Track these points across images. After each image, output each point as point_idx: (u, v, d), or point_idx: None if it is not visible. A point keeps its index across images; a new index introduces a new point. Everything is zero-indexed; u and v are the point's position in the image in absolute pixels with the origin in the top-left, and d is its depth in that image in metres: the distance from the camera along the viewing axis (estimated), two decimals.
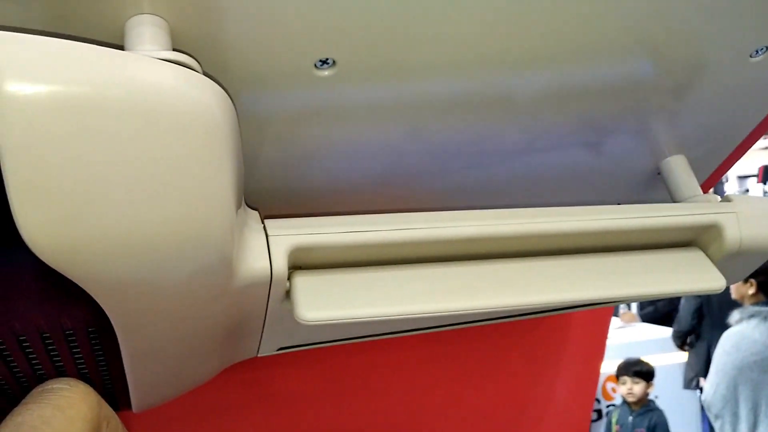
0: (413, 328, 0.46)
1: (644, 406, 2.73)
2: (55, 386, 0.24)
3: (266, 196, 0.40)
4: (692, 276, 0.41)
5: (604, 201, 0.49)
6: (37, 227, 0.23)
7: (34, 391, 0.24)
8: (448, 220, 0.36)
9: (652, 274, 0.41)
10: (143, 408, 0.38)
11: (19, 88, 0.22)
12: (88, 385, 0.24)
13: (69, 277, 0.25)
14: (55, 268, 0.25)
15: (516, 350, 0.69)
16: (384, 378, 0.64)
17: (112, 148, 0.23)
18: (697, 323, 3.00)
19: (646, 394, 2.74)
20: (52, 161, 0.23)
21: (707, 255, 0.41)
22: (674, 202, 0.46)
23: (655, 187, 0.49)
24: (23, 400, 0.23)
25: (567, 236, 0.39)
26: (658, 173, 0.48)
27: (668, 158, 0.47)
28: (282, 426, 0.60)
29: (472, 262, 0.37)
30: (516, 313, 0.49)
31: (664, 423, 2.71)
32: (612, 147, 0.46)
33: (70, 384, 0.24)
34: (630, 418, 2.73)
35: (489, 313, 0.46)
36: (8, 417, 0.22)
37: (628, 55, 0.39)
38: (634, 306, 3.65)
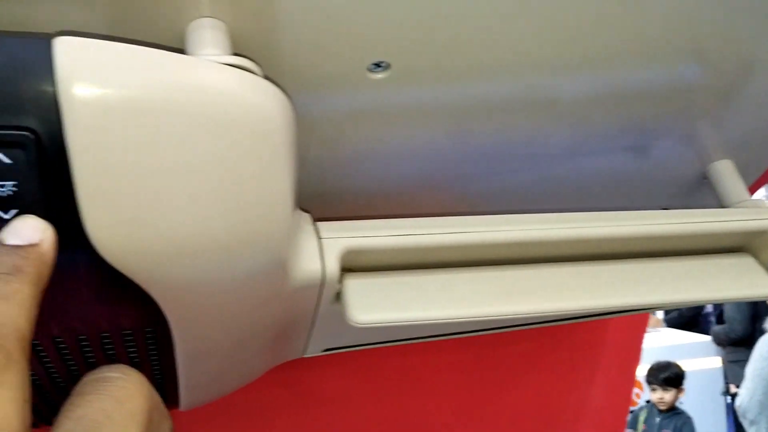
0: (456, 331, 0.46)
1: (672, 410, 2.73)
2: (109, 374, 0.23)
3: (310, 198, 0.40)
4: (743, 282, 0.40)
5: (649, 206, 0.49)
6: (104, 230, 0.24)
7: (88, 378, 0.23)
8: (498, 224, 0.36)
9: (702, 280, 0.40)
10: (190, 406, 0.39)
11: (87, 91, 0.22)
12: (140, 373, 0.24)
13: (132, 278, 0.25)
14: (119, 270, 0.25)
15: (551, 355, 0.68)
16: (419, 381, 0.64)
17: (177, 151, 0.24)
18: (753, 329, 2.99)
19: (676, 400, 2.74)
20: (120, 164, 0.23)
21: (758, 261, 0.41)
22: (722, 207, 0.45)
23: (701, 191, 0.48)
24: (77, 390, 0.23)
25: (616, 241, 0.39)
26: (705, 178, 0.47)
27: (715, 162, 0.47)
28: (317, 426, 0.60)
29: (520, 266, 0.37)
30: (555, 318, 0.49)
31: (691, 427, 2.70)
32: (658, 151, 0.45)
33: (125, 372, 0.23)
34: (657, 420, 2.73)
35: (531, 317, 0.45)
36: (66, 408, 0.21)
37: (675, 58, 0.39)
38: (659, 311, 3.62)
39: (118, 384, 0.23)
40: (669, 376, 2.71)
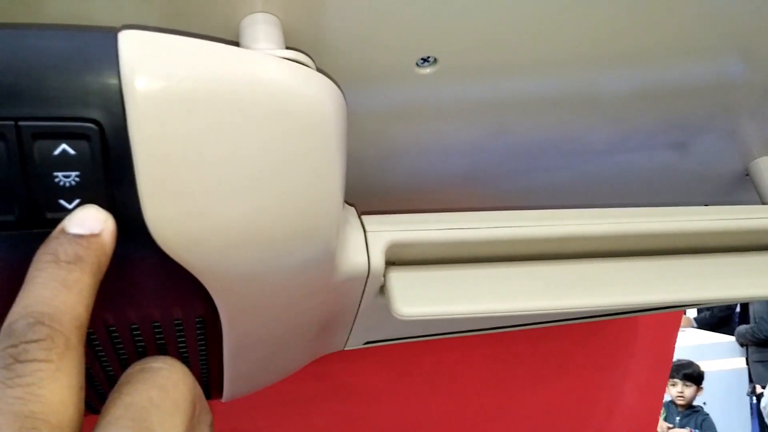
0: (494, 326, 0.46)
1: (690, 408, 2.72)
2: (154, 365, 0.23)
3: (353, 191, 0.41)
4: None
5: (690, 202, 0.48)
6: (163, 220, 0.24)
7: (134, 368, 0.23)
8: (541, 219, 0.36)
9: (741, 277, 0.40)
10: (232, 398, 0.39)
11: (150, 84, 0.23)
12: (184, 365, 0.24)
13: (188, 268, 0.26)
14: (176, 260, 0.25)
15: (583, 353, 0.68)
16: (451, 377, 0.64)
17: (235, 143, 0.24)
18: None
19: (695, 398, 2.73)
20: (180, 156, 0.23)
21: None
22: (763, 204, 0.45)
23: (742, 188, 0.48)
24: (124, 379, 0.23)
25: (658, 237, 0.39)
26: (746, 175, 0.47)
27: (757, 159, 0.46)
28: (349, 419, 0.61)
29: (563, 261, 0.37)
30: (589, 315, 0.49)
31: (710, 424, 2.69)
32: (700, 148, 0.45)
33: (169, 363, 0.24)
34: (677, 418, 2.71)
35: (571, 313, 0.45)
36: (114, 396, 0.22)
37: (719, 53, 0.38)
38: (691, 310, 3.60)
39: (164, 374, 0.23)
40: (690, 372, 2.71)
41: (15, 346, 0.19)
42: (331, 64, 0.31)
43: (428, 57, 0.32)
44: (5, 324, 0.20)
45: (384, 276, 0.34)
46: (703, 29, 0.36)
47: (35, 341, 0.19)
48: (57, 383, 0.19)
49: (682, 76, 0.40)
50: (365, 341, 0.42)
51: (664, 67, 0.38)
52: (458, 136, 0.39)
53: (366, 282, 0.33)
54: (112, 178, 0.23)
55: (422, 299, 0.33)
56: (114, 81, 0.23)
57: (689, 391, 2.70)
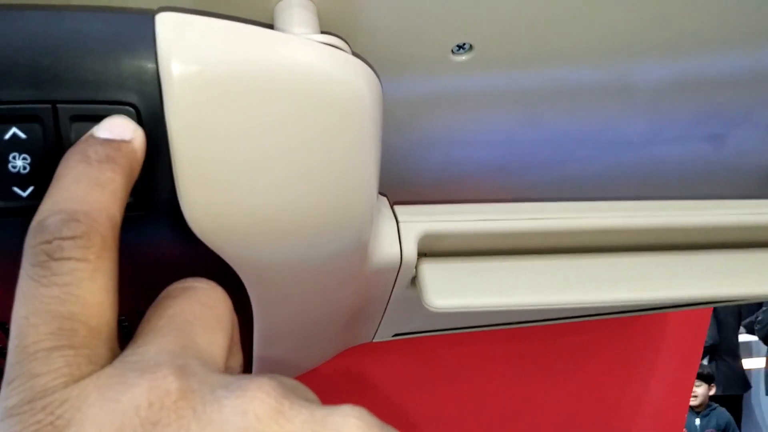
0: (523, 320, 0.45)
1: (707, 407, 2.70)
2: (195, 284, 0.23)
3: (384, 181, 0.40)
4: None
5: (726, 196, 0.47)
6: (198, 206, 0.24)
7: (176, 285, 0.22)
8: (574, 211, 0.35)
9: None
10: None
11: (187, 68, 0.22)
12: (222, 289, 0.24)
13: (221, 255, 0.26)
14: (210, 247, 0.25)
15: (609, 349, 0.67)
16: (476, 371, 0.63)
17: (272, 128, 0.24)
18: None
19: (708, 396, 2.71)
20: (216, 140, 0.23)
21: None
22: None
23: None
24: (166, 293, 0.22)
25: (694, 231, 0.38)
26: None
27: None
28: (373, 410, 0.61)
29: (596, 254, 0.37)
30: (617, 310, 0.48)
31: (730, 420, 2.67)
32: (736, 140, 0.44)
33: (210, 284, 0.23)
34: (697, 421, 2.69)
35: (604, 307, 0.45)
36: (156, 308, 0.21)
37: (758, 43, 0.37)
38: None
39: (206, 293, 0.22)
40: (700, 372, 2.69)
41: (49, 242, 0.18)
42: (364, 50, 0.31)
43: (464, 44, 0.32)
44: (35, 221, 0.19)
45: (416, 267, 0.33)
46: (742, 18, 0.35)
47: (71, 238, 0.18)
48: (95, 284, 0.19)
49: (720, 66, 0.39)
50: (394, 333, 0.42)
51: (702, 57, 0.37)
52: (492, 126, 0.38)
53: (398, 273, 0.33)
54: (148, 162, 0.23)
55: (454, 291, 0.33)
56: (151, 64, 0.22)
57: (701, 390, 2.69)
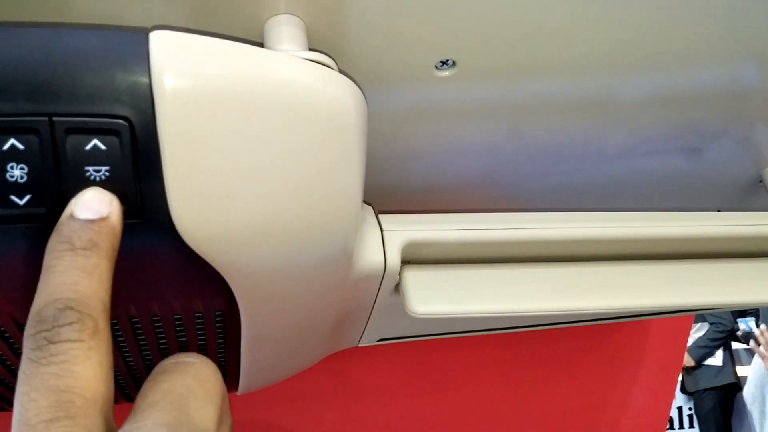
0: (506, 327, 0.46)
1: None
2: (187, 359, 0.24)
3: (370, 191, 0.41)
4: None
5: (703, 208, 0.48)
6: (188, 215, 0.25)
7: (167, 362, 0.24)
8: (555, 222, 0.36)
9: (755, 283, 0.40)
10: (247, 391, 0.40)
11: (179, 83, 0.23)
12: (213, 363, 0.25)
13: (210, 263, 0.27)
14: (200, 254, 0.26)
15: (592, 356, 0.69)
16: (461, 376, 0.64)
17: (260, 141, 0.25)
18: None
19: None
20: (206, 153, 0.24)
21: None
22: None
23: (756, 195, 0.48)
24: (160, 369, 0.23)
25: (669, 241, 0.39)
26: (760, 181, 0.47)
27: None
28: (360, 414, 0.62)
29: (575, 263, 0.38)
30: (602, 317, 0.49)
31: None
32: (714, 153, 0.45)
33: (201, 359, 0.24)
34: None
35: (581, 315, 0.46)
36: (150, 383, 0.23)
37: (735, 60, 0.39)
38: None
39: (198, 367, 0.24)
40: None
41: (48, 330, 0.20)
42: (352, 66, 0.32)
43: (447, 60, 0.33)
44: (33, 312, 0.21)
45: (399, 274, 0.34)
46: (720, 35, 0.36)
47: (67, 324, 0.20)
48: (89, 360, 0.20)
49: (698, 82, 0.40)
50: (379, 338, 0.43)
51: (680, 73, 0.39)
52: (475, 138, 0.39)
53: (382, 280, 0.34)
54: (140, 173, 0.24)
55: (437, 298, 0.34)
56: (144, 79, 0.23)
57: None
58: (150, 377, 0.23)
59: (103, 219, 0.23)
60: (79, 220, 0.22)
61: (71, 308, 0.20)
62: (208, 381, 0.24)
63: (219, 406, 0.24)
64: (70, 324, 0.20)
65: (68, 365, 0.20)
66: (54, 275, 0.21)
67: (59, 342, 0.20)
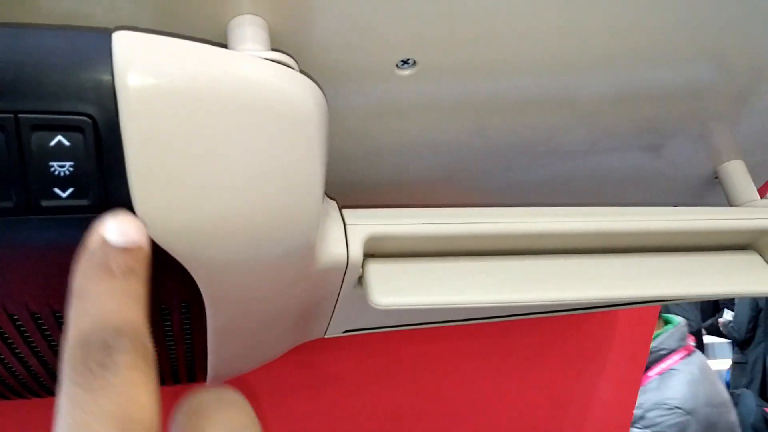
0: (469, 318, 0.48)
1: None
2: (227, 396, 0.23)
3: (335, 187, 0.42)
4: (748, 278, 0.42)
5: (661, 204, 0.50)
6: (151, 209, 0.26)
7: (207, 395, 0.23)
8: (515, 216, 0.37)
9: (710, 275, 0.42)
10: (216, 380, 0.41)
11: (141, 82, 0.24)
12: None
13: (174, 256, 0.27)
14: (164, 248, 0.27)
15: (559, 346, 0.70)
16: (430, 368, 0.66)
17: (221, 139, 0.26)
18: (753, 330, 3.09)
19: None
20: (168, 149, 0.25)
21: (764, 258, 0.42)
22: (731, 206, 0.47)
23: (711, 191, 0.50)
24: (201, 403, 0.23)
25: (627, 235, 0.40)
26: (716, 178, 0.49)
27: (726, 163, 0.48)
28: (329, 406, 0.63)
29: (535, 256, 0.39)
30: (565, 308, 0.51)
31: None
32: (671, 151, 0.47)
33: (237, 394, 0.24)
34: None
35: (542, 306, 0.47)
36: (204, 420, 0.22)
37: (691, 60, 0.40)
38: None
39: (241, 402, 0.23)
40: None
41: (103, 356, 0.19)
42: (315, 65, 0.33)
43: (408, 59, 0.34)
44: (77, 337, 0.20)
45: (362, 267, 0.35)
46: (677, 37, 0.38)
47: (122, 352, 0.19)
48: (147, 389, 0.20)
49: (657, 81, 0.41)
50: (345, 329, 0.44)
51: (639, 72, 0.40)
52: (438, 135, 0.40)
53: (345, 273, 0.35)
54: (104, 169, 0.25)
55: (398, 290, 0.35)
56: (107, 78, 0.24)
57: None
58: (194, 409, 0.23)
59: (138, 248, 0.22)
60: (116, 247, 0.22)
61: (122, 335, 0.20)
62: (251, 413, 0.23)
63: None
64: (125, 352, 0.19)
65: (130, 394, 0.19)
66: (98, 299, 0.21)
67: (116, 370, 0.19)
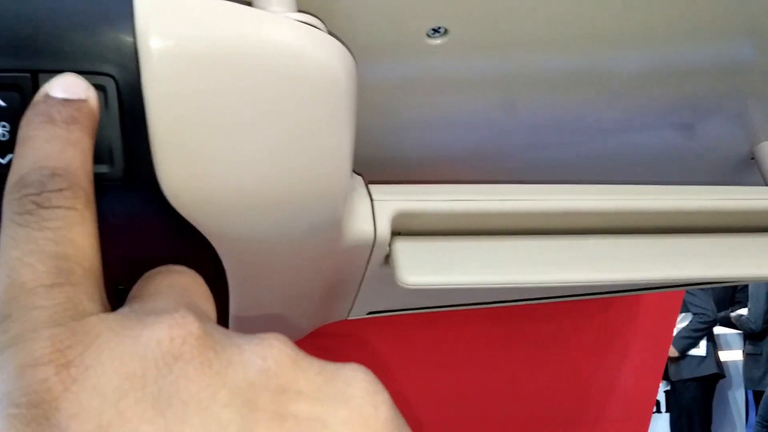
0: (495, 300, 0.46)
1: None
2: (178, 268, 0.24)
3: (361, 162, 0.41)
4: None
5: (694, 184, 0.48)
6: (174, 177, 0.24)
7: (159, 267, 0.24)
8: (546, 193, 0.36)
9: (746, 257, 0.40)
10: None
11: (164, 42, 0.23)
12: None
13: (197, 226, 0.26)
14: (186, 218, 0.26)
15: (581, 334, 0.69)
16: (449, 352, 0.65)
17: (247, 102, 0.24)
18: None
19: None
20: (192, 114, 0.24)
21: None
22: None
23: (747, 172, 0.48)
24: (150, 272, 0.24)
25: (662, 214, 0.39)
26: (752, 158, 0.47)
27: (764, 143, 0.46)
28: None
29: (566, 236, 0.38)
30: (593, 291, 0.49)
31: None
32: (707, 129, 0.45)
33: (190, 270, 0.24)
34: None
35: (572, 288, 0.46)
36: (146, 280, 0.23)
37: (730, 36, 0.38)
38: None
39: (191, 274, 0.24)
40: None
41: (36, 194, 0.19)
42: (341, 32, 0.31)
43: (439, 27, 0.32)
44: (14, 177, 0.20)
45: (389, 245, 0.34)
46: (715, 11, 0.36)
47: (57, 190, 0.19)
48: (84, 229, 0.20)
49: (693, 58, 0.40)
50: (368, 311, 0.43)
51: (675, 48, 0.38)
52: (467, 110, 0.39)
53: (371, 250, 0.34)
54: (126, 132, 0.23)
55: (427, 269, 0.34)
56: (129, 38, 0.23)
57: None
58: (144, 277, 0.23)
59: (82, 100, 0.22)
60: (57, 98, 0.22)
61: (59, 175, 0.20)
62: (203, 285, 0.24)
63: (214, 312, 0.24)
64: (60, 190, 0.19)
65: (65, 232, 0.19)
66: (35, 143, 0.20)
67: (51, 207, 0.19)
